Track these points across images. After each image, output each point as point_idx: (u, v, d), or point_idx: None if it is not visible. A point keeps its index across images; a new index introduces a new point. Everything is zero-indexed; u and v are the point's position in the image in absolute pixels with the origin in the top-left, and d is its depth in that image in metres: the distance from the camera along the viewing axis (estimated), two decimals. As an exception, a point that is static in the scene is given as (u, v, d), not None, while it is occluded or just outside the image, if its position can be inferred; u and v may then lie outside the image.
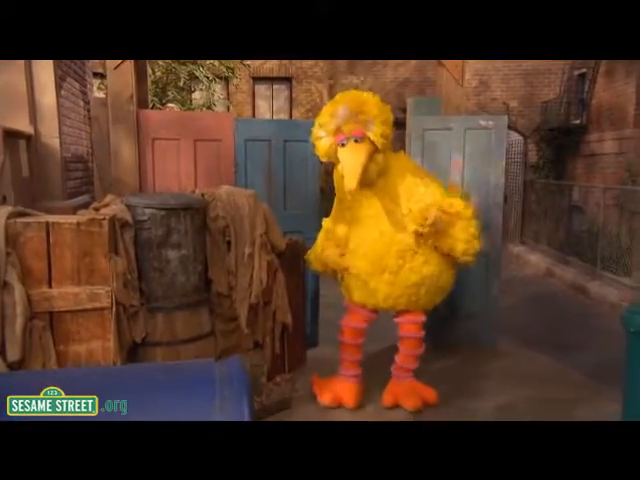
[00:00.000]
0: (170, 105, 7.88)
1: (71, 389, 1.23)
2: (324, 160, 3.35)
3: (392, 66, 10.50)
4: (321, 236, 3.65)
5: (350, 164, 3.09)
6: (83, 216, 2.70)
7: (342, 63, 10.68)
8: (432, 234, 3.16)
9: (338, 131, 3.13)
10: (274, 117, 10.74)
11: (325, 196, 9.13)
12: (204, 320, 3.26)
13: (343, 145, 3.12)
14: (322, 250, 3.56)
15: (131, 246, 2.88)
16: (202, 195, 3.32)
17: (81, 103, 5.28)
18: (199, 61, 8.36)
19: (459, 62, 4.73)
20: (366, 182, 3.17)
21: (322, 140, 3.20)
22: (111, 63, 4.00)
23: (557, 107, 10.05)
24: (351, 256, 3.39)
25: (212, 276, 3.29)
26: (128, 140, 4.13)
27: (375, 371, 3.82)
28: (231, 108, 10.38)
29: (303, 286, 4.22)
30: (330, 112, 3.17)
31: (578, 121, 9.71)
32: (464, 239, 3.21)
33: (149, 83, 8.12)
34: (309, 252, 3.74)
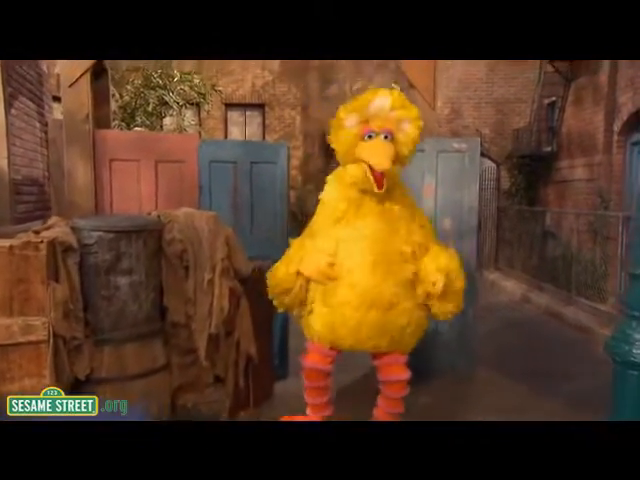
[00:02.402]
0: (137, 129, 7.67)
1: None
2: (339, 153, 2.90)
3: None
4: (289, 254, 3.07)
5: (382, 148, 2.72)
6: (19, 239, 2.45)
7: (315, 90, 10.69)
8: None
9: (366, 123, 2.78)
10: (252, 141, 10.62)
11: (297, 221, 8.86)
12: (158, 353, 2.99)
13: (370, 137, 2.76)
14: (298, 261, 2.91)
15: (75, 272, 2.63)
16: (158, 217, 3.10)
17: (37, 124, 5.05)
18: (168, 86, 8.22)
19: (430, 84, 4.65)
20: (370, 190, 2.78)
21: (347, 128, 2.78)
22: (66, 80, 3.80)
23: (528, 135, 10.16)
24: (335, 283, 2.83)
25: (168, 304, 3.05)
26: (83, 161, 3.90)
27: (348, 406, 3.58)
28: (203, 134, 10.22)
29: (270, 313, 3.98)
30: (369, 98, 2.81)
31: (549, 148, 9.82)
32: (455, 302, 2.98)
33: (115, 107, 7.96)
34: (271, 272, 3.07)
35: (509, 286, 9.01)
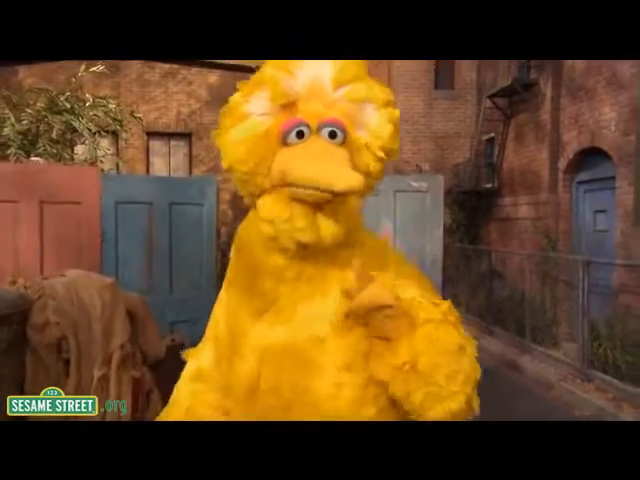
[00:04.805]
0: (35, 159, 6.53)
1: None
2: (237, 178, 1.38)
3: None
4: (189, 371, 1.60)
5: (330, 154, 1.28)
6: None
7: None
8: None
9: (291, 108, 1.33)
10: (171, 176, 9.62)
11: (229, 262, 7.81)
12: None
13: (300, 136, 1.30)
14: (189, 399, 1.53)
15: None
16: (24, 289, 2.15)
17: None
18: (78, 111, 7.18)
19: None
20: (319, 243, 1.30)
21: (250, 119, 1.34)
22: None
23: (468, 170, 9.91)
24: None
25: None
26: None
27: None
28: (121, 165, 9.15)
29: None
30: (289, 66, 1.34)
31: (489, 185, 9.59)
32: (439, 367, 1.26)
33: (12, 133, 6.79)
34: (171, 406, 1.60)
35: (455, 329, 8.56)
